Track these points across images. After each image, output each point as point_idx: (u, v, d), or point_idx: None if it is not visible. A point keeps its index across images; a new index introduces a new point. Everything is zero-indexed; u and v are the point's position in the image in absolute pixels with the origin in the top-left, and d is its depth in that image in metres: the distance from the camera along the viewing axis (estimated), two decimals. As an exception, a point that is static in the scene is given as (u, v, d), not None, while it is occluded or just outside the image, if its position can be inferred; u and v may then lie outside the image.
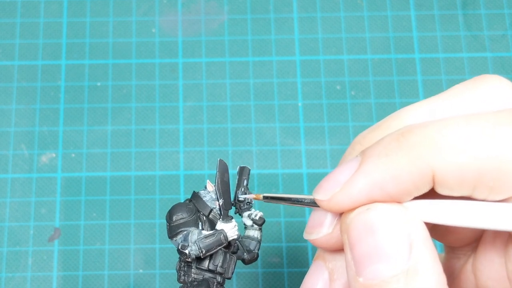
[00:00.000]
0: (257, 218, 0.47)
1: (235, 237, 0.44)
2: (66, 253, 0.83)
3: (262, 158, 0.86)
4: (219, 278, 0.45)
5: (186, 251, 0.42)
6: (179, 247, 0.42)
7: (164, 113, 0.88)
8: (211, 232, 0.43)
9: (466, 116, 0.26)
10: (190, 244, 0.42)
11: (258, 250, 0.47)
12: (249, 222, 0.47)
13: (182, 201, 0.46)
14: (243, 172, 0.48)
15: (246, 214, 0.47)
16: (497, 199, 0.26)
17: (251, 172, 0.48)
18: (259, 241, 0.47)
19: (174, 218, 0.43)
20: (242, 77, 0.89)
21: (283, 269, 0.82)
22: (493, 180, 0.25)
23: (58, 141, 0.87)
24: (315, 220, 0.32)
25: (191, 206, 0.44)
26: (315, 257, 0.33)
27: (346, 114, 0.88)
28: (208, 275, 0.44)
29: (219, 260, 0.44)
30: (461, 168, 0.25)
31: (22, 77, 0.89)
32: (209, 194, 0.45)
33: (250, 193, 0.47)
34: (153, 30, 0.91)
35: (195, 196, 0.45)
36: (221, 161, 0.45)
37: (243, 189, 0.47)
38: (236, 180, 0.48)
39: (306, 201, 0.33)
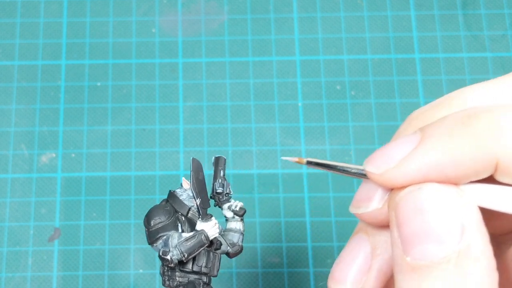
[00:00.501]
0: (237, 209, 0.46)
1: (216, 235, 0.43)
2: (66, 253, 0.83)
3: (262, 158, 0.86)
4: (204, 278, 0.44)
5: (168, 257, 0.41)
6: (160, 254, 0.41)
7: (164, 113, 0.88)
8: (191, 234, 0.42)
9: None
10: (171, 249, 0.41)
11: (242, 242, 0.46)
12: (229, 214, 0.46)
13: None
14: (218, 162, 0.46)
15: (226, 206, 0.46)
16: None
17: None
18: (242, 233, 0.46)
19: (152, 223, 0.42)
20: (242, 77, 0.89)
21: (283, 269, 0.82)
22: None
23: (58, 141, 0.87)
24: (364, 194, 0.30)
25: (168, 208, 0.43)
26: (356, 230, 0.31)
27: (346, 114, 0.88)
28: (193, 277, 0.43)
29: (202, 260, 0.43)
30: None
31: (22, 77, 0.89)
32: (186, 192, 0.44)
33: (229, 183, 0.46)
34: (153, 30, 0.91)
35: (172, 196, 0.44)
36: (194, 159, 0.44)
37: (220, 181, 0.46)
38: (213, 172, 0.46)
39: (353, 171, 0.30)
